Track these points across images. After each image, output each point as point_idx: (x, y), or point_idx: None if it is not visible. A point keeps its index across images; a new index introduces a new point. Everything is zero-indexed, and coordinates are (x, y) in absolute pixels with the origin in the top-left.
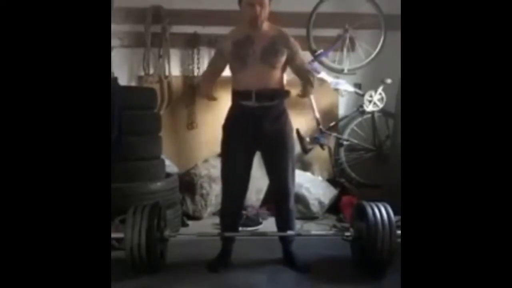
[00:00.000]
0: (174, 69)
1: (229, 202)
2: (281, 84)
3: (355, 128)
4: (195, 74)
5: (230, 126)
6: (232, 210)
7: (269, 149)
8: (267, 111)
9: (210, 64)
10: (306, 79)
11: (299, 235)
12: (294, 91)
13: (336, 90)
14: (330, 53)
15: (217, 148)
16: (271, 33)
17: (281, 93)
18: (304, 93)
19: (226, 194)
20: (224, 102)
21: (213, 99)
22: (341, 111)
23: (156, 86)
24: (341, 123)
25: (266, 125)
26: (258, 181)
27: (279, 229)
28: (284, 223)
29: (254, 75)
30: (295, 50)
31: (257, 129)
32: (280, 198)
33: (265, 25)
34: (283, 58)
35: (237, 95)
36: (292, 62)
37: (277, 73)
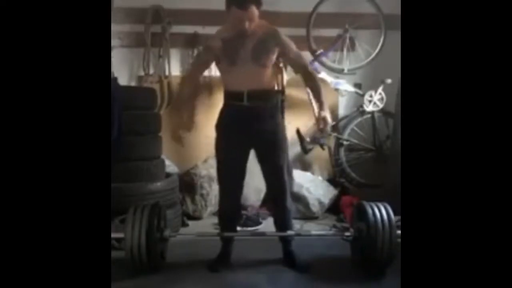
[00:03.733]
0: (174, 69)
1: (226, 201)
2: (273, 84)
3: (355, 128)
4: None
5: (223, 125)
6: (230, 209)
7: (262, 146)
8: (260, 111)
9: (195, 62)
10: (306, 75)
11: (299, 235)
12: (294, 92)
13: (336, 90)
14: (330, 53)
15: None
16: (261, 30)
17: (273, 93)
18: (319, 118)
19: (223, 194)
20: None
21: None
22: (341, 111)
23: (156, 86)
24: (341, 123)
25: (259, 123)
26: (258, 181)
27: (277, 228)
28: (281, 221)
29: (245, 76)
30: (286, 45)
31: (250, 127)
32: (276, 195)
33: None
34: (274, 56)
35: (228, 96)
36: (286, 57)
37: (268, 72)
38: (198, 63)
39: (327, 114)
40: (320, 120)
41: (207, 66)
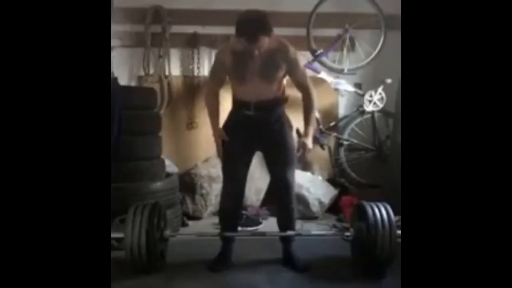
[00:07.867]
0: (174, 69)
1: (228, 202)
2: (280, 93)
3: (355, 128)
4: (195, 74)
5: (230, 128)
6: (231, 209)
7: (269, 148)
8: (265, 119)
9: (211, 79)
10: (305, 94)
11: (299, 235)
12: (294, 92)
13: (336, 90)
14: (330, 53)
15: None
16: (270, 45)
17: (279, 103)
18: (306, 130)
19: (225, 194)
20: (223, 102)
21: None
22: (341, 111)
23: (156, 86)
24: (341, 123)
25: (264, 129)
26: (258, 181)
27: (280, 228)
28: (285, 222)
29: (253, 89)
30: (294, 64)
31: (256, 132)
32: (281, 196)
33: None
34: (282, 73)
35: (236, 103)
36: (291, 76)
37: (275, 85)
38: (214, 80)
39: (308, 141)
40: (300, 146)
41: (222, 81)
